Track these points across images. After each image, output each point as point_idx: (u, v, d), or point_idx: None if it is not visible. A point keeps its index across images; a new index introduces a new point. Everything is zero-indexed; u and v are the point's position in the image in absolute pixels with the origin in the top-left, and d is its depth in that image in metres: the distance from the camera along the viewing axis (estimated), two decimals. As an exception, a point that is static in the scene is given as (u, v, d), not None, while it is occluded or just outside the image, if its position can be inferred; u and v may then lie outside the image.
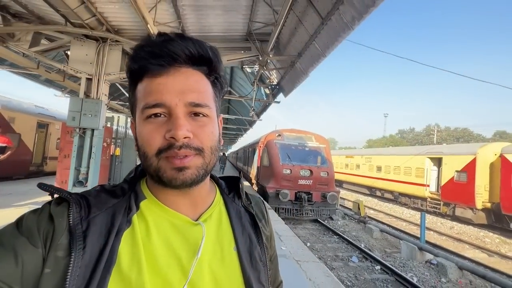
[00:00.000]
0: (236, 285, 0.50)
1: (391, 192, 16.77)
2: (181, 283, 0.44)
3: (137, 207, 0.49)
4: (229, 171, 23.42)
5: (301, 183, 9.74)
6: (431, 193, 13.65)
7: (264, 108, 10.09)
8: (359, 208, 10.06)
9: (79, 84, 5.49)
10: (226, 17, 4.99)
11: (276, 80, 7.60)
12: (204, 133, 0.47)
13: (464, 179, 11.62)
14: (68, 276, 0.38)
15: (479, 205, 10.97)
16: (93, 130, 5.07)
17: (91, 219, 0.43)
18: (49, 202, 0.45)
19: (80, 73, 5.11)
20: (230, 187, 0.63)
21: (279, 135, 10.87)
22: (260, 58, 5.84)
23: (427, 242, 8.27)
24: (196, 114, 0.47)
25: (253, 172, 13.34)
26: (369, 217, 11.37)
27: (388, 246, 7.99)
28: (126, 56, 5.49)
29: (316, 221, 10.05)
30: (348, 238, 7.95)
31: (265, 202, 0.71)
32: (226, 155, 25.83)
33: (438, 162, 13.39)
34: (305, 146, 10.67)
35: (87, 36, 5.14)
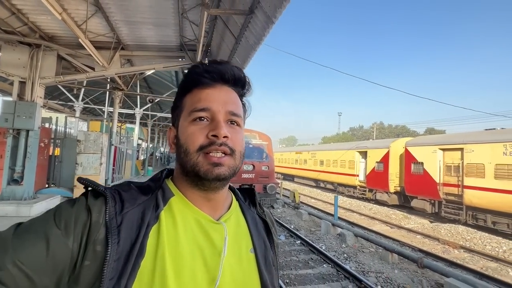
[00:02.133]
0: (254, 285, 0.54)
1: (331, 183, 18.98)
2: (207, 279, 0.48)
3: (165, 204, 0.52)
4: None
5: (244, 176, 10.82)
6: (360, 182, 15.96)
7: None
8: (294, 196, 11.52)
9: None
10: (157, 31, 5.69)
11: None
12: (237, 138, 0.54)
13: (381, 168, 13.98)
14: (105, 267, 0.41)
15: (392, 189, 13.36)
16: (28, 131, 5.33)
17: (124, 214, 0.46)
18: (85, 195, 0.48)
19: (13, 76, 5.32)
20: (245, 196, 0.68)
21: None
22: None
23: (348, 221, 10.05)
24: (232, 123, 0.55)
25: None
26: (302, 203, 13.02)
27: (314, 226, 9.49)
28: (62, 61, 5.82)
29: (258, 210, 11.25)
30: (282, 222, 9.25)
31: (272, 213, 0.77)
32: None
33: (365, 155, 15.72)
34: (249, 144, 11.75)
35: (20, 41, 5.36)
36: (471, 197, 9.66)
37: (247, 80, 0.60)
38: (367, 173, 15.07)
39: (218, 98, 0.54)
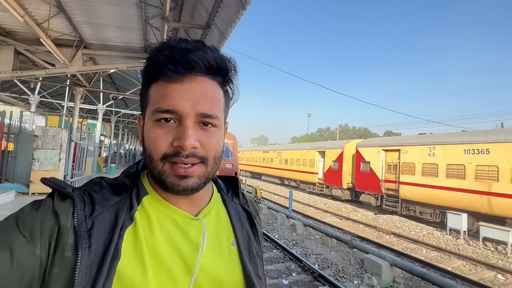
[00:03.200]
0: (236, 279, 0.52)
1: (294, 180, 20.23)
2: (185, 277, 0.46)
3: (138, 203, 0.49)
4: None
5: (209, 173, 11.35)
6: (318, 179, 17.34)
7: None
8: (256, 192, 12.33)
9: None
10: (122, 33, 5.98)
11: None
12: (210, 144, 0.48)
13: (336, 167, 15.42)
14: (76, 275, 0.38)
15: (345, 185, 14.83)
16: (-21, 125, 5.29)
17: (95, 217, 0.43)
18: (51, 195, 0.44)
19: (-37, 69, 5.24)
20: (227, 187, 0.66)
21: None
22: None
23: (304, 214, 11.09)
24: (205, 124, 0.48)
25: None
26: (264, 198, 13.97)
27: (272, 219, 10.34)
28: (19, 56, 5.82)
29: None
30: (242, 215, 9.97)
31: (256, 201, 0.73)
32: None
33: (323, 154, 17.12)
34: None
35: (-28, 35, 5.29)
36: (405, 192, 11.30)
37: (229, 64, 0.51)
38: (325, 171, 16.46)
39: (186, 96, 0.46)
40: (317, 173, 17.44)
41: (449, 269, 6.08)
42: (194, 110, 0.46)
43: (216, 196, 0.61)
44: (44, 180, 0.45)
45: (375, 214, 12.33)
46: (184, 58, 0.45)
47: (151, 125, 0.48)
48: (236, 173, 12.04)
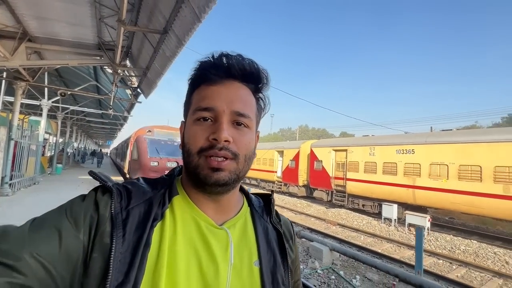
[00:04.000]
0: None
1: (255, 179, 20.92)
2: (199, 286, 0.46)
3: (169, 202, 0.52)
4: (108, 168, 21.77)
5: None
6: (277, 177, 18.27)
7: (132, 106, 10.85)
8: (216, 191, 12.60)
9: None
10: (73, 29, 5.78)
11: (137, 84, 8.71)
12: (242, 141, 0.51)
13: (293, 165, 16.48)
14: (111, 260, 0.41)
15: (300, 183, 15.94)
16: None
17: (130, 209, 0.47)
18: (95, 189, 0.49)
19: None
20: (260, 202, 0.65)
21: (149, 131, 11.88)
22: (112, 66, 6.86)
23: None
24: (239, 124, 0.52)
25: (126, 166, 13.67)
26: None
27: (231, 216, 10.76)
28: None
29: (181, 205, 11.87)
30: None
31: (293, 225, 0.72)
32: (109, 151, 23.66)
33: (282, 154, 18.08)
34: (174, 141, 12.18)
35: None
36: (351, 187, 12.68)
37: (262, 74, 0.56)
38: (283, 169, 17.43)
39: (224, 96, 0.51)
40: (276, 172, 18.34)
41: (379, 251, 7.20)
42: (229, 108, 0.51)
43: (246, 209, 0.60)
44: (91, 173, 0.51)
45: (326, 208, 13.56)
46: (223, 64, 0.52)
47: (190, 124, 0.53)
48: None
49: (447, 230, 9.88)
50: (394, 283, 4.69)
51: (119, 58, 6.18)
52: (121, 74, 7.63)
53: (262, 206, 0.63)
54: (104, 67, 7.92)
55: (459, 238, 8.71)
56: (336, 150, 13.92)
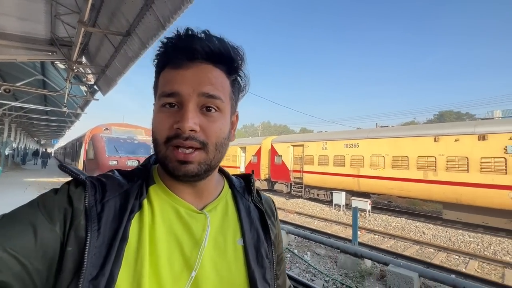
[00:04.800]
0: (239, 279, 0.51)
1: (219, 175, 21.26)
2: (183, 272, 0.46)
3: (146, 191, 0.51)
4: (55, 169, 19.88)
5: (128, 172, 11.02)
6: (241, 173, 18.90)
7: (86, 103, 10.35)
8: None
9: None
10: (22, 24, 5.50)
11: (93, 80, 8.42)
12: (211, 129, 0.48)
13: (255, 161, 17.28)
14: (86, 254, 0.40)
15: (262, 177, 16.82)
16: None
17: (105, 202, 0.46)
18: (68, 183, 0.48)
19: None
20: (241, 183, 0.65)
21: (107, 128, 11.45)
22: (67, 62, 6.64)
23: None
24: (208, 109, 0.49)
25: (79, 167, 12.88)
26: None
27: (195, 211, 11.07)
28: None
29: (144, 203, 11.76)
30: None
31: (274, 201, 0.71)
32: (53, 150, 21.54)
33: (244, 150, 18.75)
34: (134, 139, 11.93)
35: None
36: (307, 179, 13.92)
37: (234, 53, 0.51)
38: (246, 165, 18.12)
39: (189, 79, 0.47)
40: (239, 167, 18.96)
41: (329, 232, 8.33)
42: (196, 91, 0.47)
43: (226, 191, 0.60)
44: (61, 167, 0.49)
45: (286, 199, 14.65)
46: (187, 46, 0.47)
47: (156, 110, 0.49)
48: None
49: (384, 212, 11.65)
50: (337, 254, 5.68)
51: (75, 56, 6.05)
52: (76, 71, 7.36)
53: (243, 187, 0.64)
54: (56, 62, 7.53)
55: (392, 217, 10.43)
56: (294, 145, 15.05)
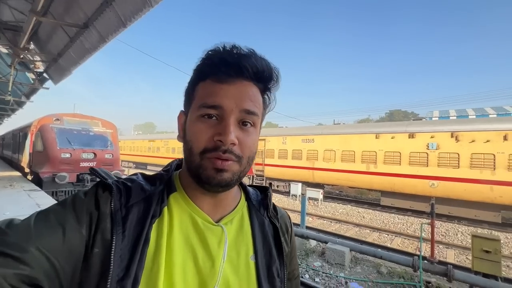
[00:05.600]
0: None
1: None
2: (195, 283, 0.48)
3: (167, 199, 0.52)
4: (-11, 163, 17.61)
5: (83, 165, 10.47)
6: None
7: (33, 91, 9.56)
8: (141, 181, 12.53)
9: None
10: (-42, 4, 5.02)
11: (43, 68, 7.87)
12: (246, 143, 0.50)
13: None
14: (112, 256, 0.43)
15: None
16: None
17: (130, 207, 0.48)
18: (96, 186, 0.50)
19: None
20: (258, 196, 0.65)
21: (57, 119, 10.68)
22: (12, 48, 6.19)
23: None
24: (245, 124, 0.50)
25: (24, 160, 11.81)
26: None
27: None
28: None
29: (101, 198, 11.35)
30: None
31: (290, 218, 0.70)
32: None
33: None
34: (89, 131, 11.32)
35: None
36: (268, 171, 14.74)
37: (273, 73, 0.53)
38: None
39: (233, 95, 0.49)
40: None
41: (284, 219, 9.17)
42: (238, 107, 0.49)
43: (243, 204, 0.60)
44: (92, 170, 0.52)
45: (248, 191, 15.31)
46: (236, 62, 0.49)
47: (194, 120, 0.50)
48: (116, 164, 11.71)
49: (335, 200, 13.01)
50: (287, 237, 6.44)
51: (23, 43, 5.71)
52: (22, 57, 6.86)
53: (260, 200, 0.63)
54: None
55: (340, 204, 11.77)
56: (256, 140, 15.71)
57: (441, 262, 4.58)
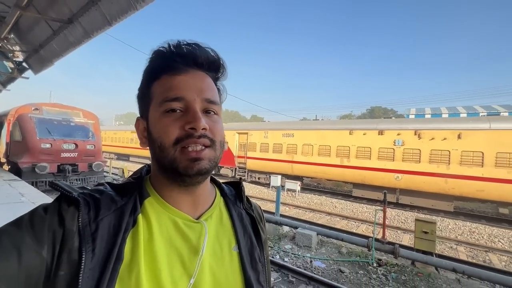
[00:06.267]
0: (236, 285, 0.53)
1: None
2: (183, 281, 0.47)
3: (141, 205, 0.50)
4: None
5: (64, 156, 10.48)
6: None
7: (11, 80, 9.40)
8: (123, 172, 12.67)
9: None
10: None
11: (22, 57, 7.80)
12: (216, 128, 0.51)
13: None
14: (80, 277, 0.39)
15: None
16: None
17: (100, 221, 0.44)
18: (58, 199, 0.46)
19: None
20: (231, 191, 0.66)
21: (36, 109, 10.54)
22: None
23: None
24: (208, 112, 0.51)
25: (1, 150, 11.56)
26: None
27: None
28: None
29: (82, 188, 11.38)
30: (108, 195, 10.32)
31: (261, 208, 0.74)
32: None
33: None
34: (70, 121, 11.25)
35: None
36: (250, 164, 15.28)
37: (222, 63, 0.56)
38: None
39: (192, 85, 0.50)
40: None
41: (264, 209, 9.75)
42: (199, 97, 0.50)
43: (219, 199, 0.61)
44: (51, 184, 0.47)
45: (231, 182, 15.80)
46: (188, 53, 0.51)
47: (158, 117, 0.50)
48: (98, 155, 11.76)
49: (313, 192, 13.83)
50: (263, 224, 7.04)
51: (4, 34, 5.75)
52: (0, 46, 6.82)
53: (234, 194, 0.65)
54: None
55: (316, 195, 12.59)
56: (239, 133, 16.15)
57: (390, 243, 5.34)
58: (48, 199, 6.47)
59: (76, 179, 10.83)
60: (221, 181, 0.67)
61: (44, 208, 0.45)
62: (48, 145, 10.03)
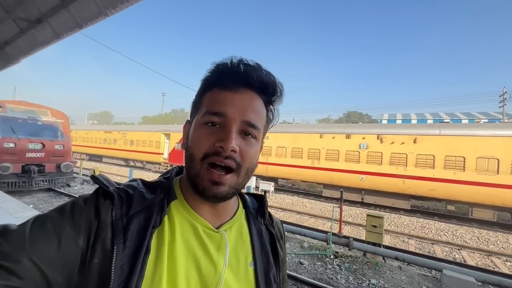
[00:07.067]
0: None
1: (140, 161, 20.75)
2: None
3: (167, 206, 0.52)
4: None
5: (30, 156, 10.08)
6: (164, 159, 19.10)
7: (-28, 75, 8.91)
8: (94, 173, 12.36)
9: None
10: None
11: (-15, 53, 7.49)
12: (247, 153, 0.51)
13: (179, 147, 17.84)
14: (113, 266, 0.42)
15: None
16: None
17: (131, 216, 0.47)
18: (97, 192, 0.49)
19: None
20: (254, 204, 0.66)
21: (0, 107, 10.05)
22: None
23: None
24: (246, 134, 0.51)
25: (-43, 149, 10.82)
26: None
27: (112, 196, 11.15)
28: None
29: (50, 189, 10.97)
30: (75, 195, 10.04)
31: (283, 225, 0.73)
32: None
33: (168, 137, 18.94)
34: (37, 120, 10.84)
35: None
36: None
37: (278, 87, 0.55)
38: (170, 151, 18.45)
39: (237, 104, 0.51)
40: (162, 154, 19.08)
41: (236, 209, 10.09)
42: (240, 117, 0.50)
43: (241, 211, 0.61)
44: (93, 177, 0.50)
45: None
46: (242, 71, 0.52)
47: (198, 126, 0.52)
48: (68, 155, 11.41)
49: (286, 193, 14.35)
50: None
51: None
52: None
53: (256, 208, 0.65)
54: None
55: (289, 196, 13.12)
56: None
57: (345, 237, 5.88)
58: (13, 200, 6.23)
59: (43, 180, 10.43)
60: (243, 191, 0.66)
61: (84, 199, 0.48)
62: (11, 145, 9.59)
